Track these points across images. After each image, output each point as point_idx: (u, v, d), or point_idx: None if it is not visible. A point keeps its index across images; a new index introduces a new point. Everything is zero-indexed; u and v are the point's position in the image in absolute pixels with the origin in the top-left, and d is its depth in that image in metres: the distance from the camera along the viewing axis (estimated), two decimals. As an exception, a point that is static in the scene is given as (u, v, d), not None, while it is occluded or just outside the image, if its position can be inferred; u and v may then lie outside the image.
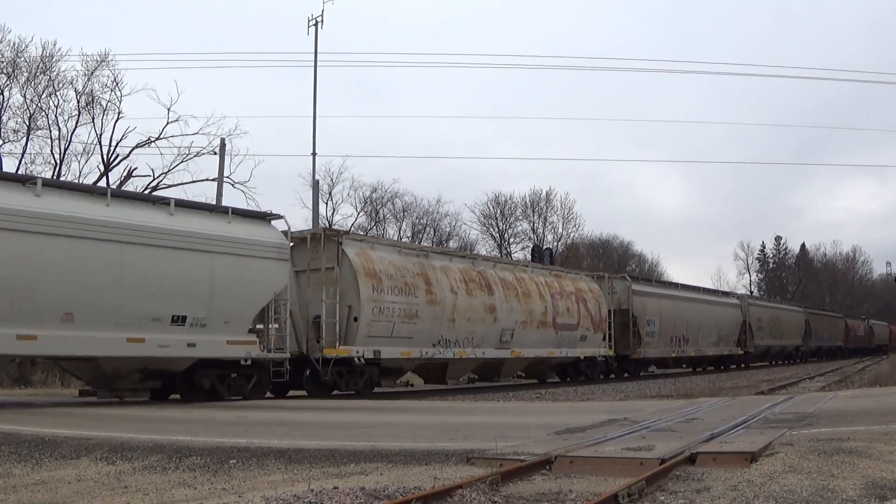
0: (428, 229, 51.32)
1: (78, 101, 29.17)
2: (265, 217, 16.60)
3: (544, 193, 56.46)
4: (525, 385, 24.23)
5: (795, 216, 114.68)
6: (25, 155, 28.27)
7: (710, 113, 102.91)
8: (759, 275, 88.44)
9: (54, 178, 28.16)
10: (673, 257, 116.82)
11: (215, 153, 28.77)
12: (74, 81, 29.05)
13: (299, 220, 39.76)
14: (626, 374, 28.64)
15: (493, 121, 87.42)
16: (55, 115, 28.86)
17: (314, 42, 30.67)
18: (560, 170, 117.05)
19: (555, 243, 54.36)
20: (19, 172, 25.50)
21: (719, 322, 35.31)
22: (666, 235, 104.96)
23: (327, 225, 42.88)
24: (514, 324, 21.95)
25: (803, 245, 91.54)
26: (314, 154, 29.44)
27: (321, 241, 17.58)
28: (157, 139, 29.85)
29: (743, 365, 37.86)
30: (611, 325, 26.66)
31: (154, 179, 30.25)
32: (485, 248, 53.63)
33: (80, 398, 16.32)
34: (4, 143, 28.51)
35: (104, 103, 29.50)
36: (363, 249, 18.51)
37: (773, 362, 45.15)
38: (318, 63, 31.67)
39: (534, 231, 55.95)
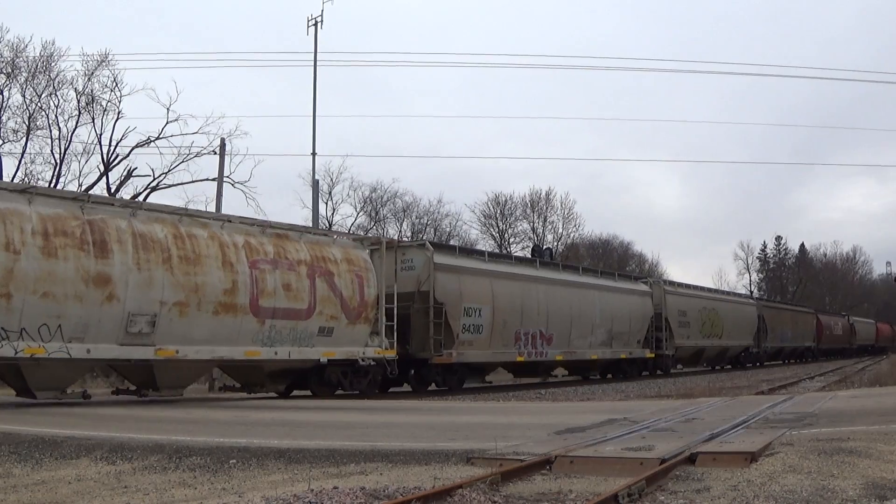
0: (428, 229, 51.33)
1: (78, 101, 29.18)
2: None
3: (544, 193, 56.48)
4: (525, 385, 24.22)
5: (795, 216, 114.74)
6: (25, 155, 28.30)
7: (710, 113, 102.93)
8: (760, 275, 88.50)
9: (54, 178, 28.21)
10: (673, 257, 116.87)
11: (215, 153, 28.79)
12: (74, 81, 29.09)
13: (300, 220, 39.71)
14: (429, 387, 20.31)
15: (493, 121, 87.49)
16: (55, 115, 28.89)
17: (314, 42, 30.67)
18: (560, 170, 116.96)
19: (555, 243, 54.36)
20: (17, 174, 25.49)
21: (613, 314, 27.09)
22: (666, 235, 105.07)
23: (327, 225, 42.94)
24: (156, 305, 13.70)
25: (803, 245, 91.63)
26: (314, 154, 29.45)
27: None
28: (157, 139, 29.87)
29: (660, 372, 30.50)
30: (395, 314, 18.15)
31: (154, 179, 30.28)
32: (484, 247, 53.68)
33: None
34: (4, 143, 28.56)
35: (104, 103, 29.54)
36: None
37: (714, 367, 38.00)
38: (318, 63, 31.68)
39: (534, 231, 55.96)
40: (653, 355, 29.69)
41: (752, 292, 78.45)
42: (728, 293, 44.68)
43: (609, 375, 28.55)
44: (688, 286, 36.12)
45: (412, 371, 19.98)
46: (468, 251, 25.23)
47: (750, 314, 40.18)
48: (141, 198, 28.56)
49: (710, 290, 40.12)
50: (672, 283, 34.75)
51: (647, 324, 29.53)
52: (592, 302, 26.19)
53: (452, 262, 20.95)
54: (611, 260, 64.45)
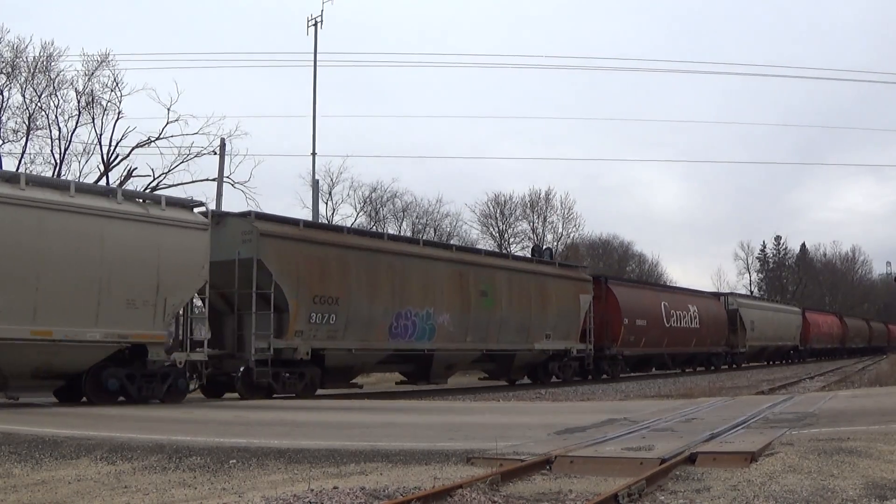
0: (428, 229, 51.32)
1: (78, 101, 29.15)
2: None
3: (544, 193, 56.43)
4: (526, 385, 24.23)
5: (795, 216, 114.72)
6: (25, 155, 28.28)
7: (711, 113, 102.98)
8: (760, 275, 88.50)
9: (54, 178, 28.21)
10: (673, 257, 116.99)
11: (215, 153, 28.80)
12: (74, 81, 29.04)
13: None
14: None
15: (493, 121, 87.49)
16: (55, 115, 28.86)
17: (314, 42, 30.72)
18: (560, 170, 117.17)
19: (555, 243, 54.30)
20: (18, 171, 25.47)
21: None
22: (666, 235, 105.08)
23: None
24: None
25: (803, 245, 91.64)
26: (314, 154, 29.48)
27: None
28: (157, 139, 29.82)
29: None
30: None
31: (154, 179, 30.24)
32: (485, 247, 53.66)
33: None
34: (4, 143, 28.53)
35: (104, 103, 29.49)
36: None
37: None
38: (318, 63, 31.68)
39: (534, 231, 55.89)
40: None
41: (751, 292, 78.45)
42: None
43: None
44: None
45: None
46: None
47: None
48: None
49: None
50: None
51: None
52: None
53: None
54: (611, 260, 64.45)
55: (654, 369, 32.42)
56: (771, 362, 44.93)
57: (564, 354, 24.53)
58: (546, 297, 23.61)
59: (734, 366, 37.78)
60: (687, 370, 34.74)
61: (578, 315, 25.06)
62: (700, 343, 33.72)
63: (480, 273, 21.36)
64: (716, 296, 39.84)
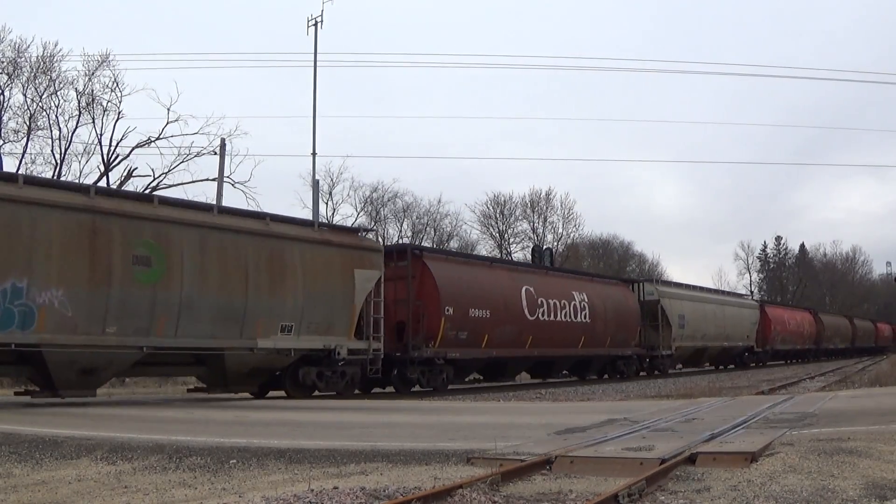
0: (428, 229, 51.33)
1: (79, 102, 29.16)
2: None
3: (544, 193, 56.45)
4: (526, 385, 24.21)
5: (795, 216, 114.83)
6: (26, 155, 28.28)
7: (710, 113, 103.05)
8: (760, 275, 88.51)
9: (54, 178, 28.23)
10: (673, 257, 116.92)
11: (215, 153, 28.81)
12: (75, 81, 29.03)
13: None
14: None
15: (493, 121, 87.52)
16: (56, 116, 28.88)
17: (314, 42, 30.66)
18: (560, 170, 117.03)
19: (555, 243, 54.33)
20: (19, 172, 25.46)
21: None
22: (666, 235, 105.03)
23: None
24: None
25: (803, 245, 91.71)
26: (314, 154, 29.44)
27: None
28: (158, 139, 29.81)
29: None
30: None
31: (154, 179, 30.22)
32: (485, 248, 53.67)
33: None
34: (5, 143, 28.54)
35: (105, 103, 29.48)
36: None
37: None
38: (318, 63, 31.61)
39: (534, 231, 55.94)
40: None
41: (752, 292, 78.39)
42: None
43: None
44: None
45: None
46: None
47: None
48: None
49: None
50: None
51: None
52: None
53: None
54: (611, 260, 64.37)
55: (517, 378, 25.47)
56: (721, 367, 38.03)
57: (328, 356, 17.05)
58: (283, 271, 16.11)
59: (657, 372, 30.06)
60: (565, 379, 27.35)
61: (352, 299, 17.38)
62: (593, 343, 26.07)
63: (137, 229, 13.92)
64: (626, 282, 31.46)
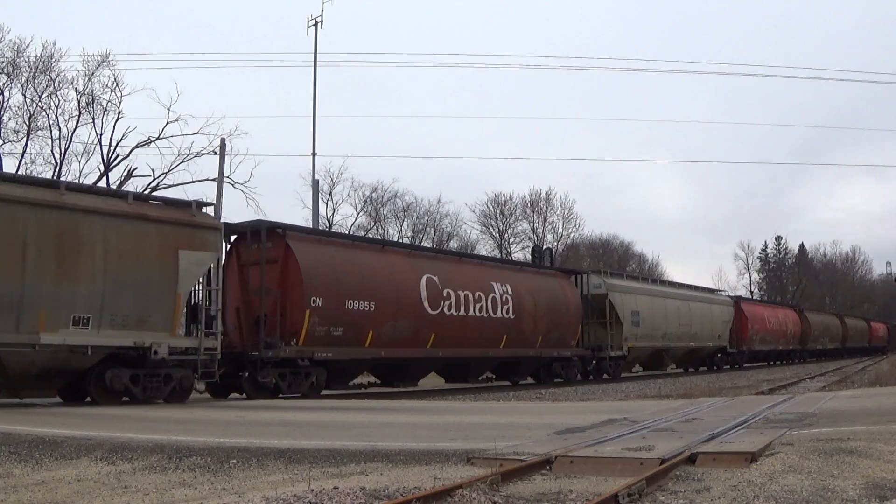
0: (428, 229, 51.33)
1: (78, 102, 29.09)
2: None
3: (544, 193, 56.44)
4: (526, 385, 24.20)
5: (795, 216, 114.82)
6: (25, 155, 28.24)
7: (711, 113, 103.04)
8: (760, 275, 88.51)
9: (54, 178, 28.24)
10: (673, 257, 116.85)
11: (215, 153, 28.65)
12: (75, 81, 28.97)
13: (300, 220, 39.72)
14: None
15: (492, 121, 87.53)
16: (55, 115, 28.82)
17: (314, 42, 30.67)
18: (560, 170, 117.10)
19: (555, 243, 54.32)
20: (19, 173, 25.49)
21: None
22: (666, 235, 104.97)
23: (327, 225, 42.92)
24: None
25: (803, 245, 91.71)
26: (314, 154, 29.44)
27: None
28: (157, 139, 29.71)
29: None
30: None
31: (154, 179, 30.14)
32: (485, 248, 53.66)
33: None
34: (4, 143, 28.51)
35: (104, 103, 29.42)
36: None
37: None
38: (318, 63, 31.63)
39: (534, 231, 55.92)
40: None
41: (751, 292, 78.41)
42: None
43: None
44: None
45: None
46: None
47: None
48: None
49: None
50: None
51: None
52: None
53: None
54: (611, 260, 64.36)
55: (417, 383, 20.89)
56: (693, 369, 34.22)
57: (143, 357, 13.47)
58: (78, 250, 12.86)
59: (606, 375, 26.44)
60: (483, 384, 23.21)
61: (175, 287, 13.95)
62: (519, 343, 22.48)
63: None
64: (566, 272, 27.20)
